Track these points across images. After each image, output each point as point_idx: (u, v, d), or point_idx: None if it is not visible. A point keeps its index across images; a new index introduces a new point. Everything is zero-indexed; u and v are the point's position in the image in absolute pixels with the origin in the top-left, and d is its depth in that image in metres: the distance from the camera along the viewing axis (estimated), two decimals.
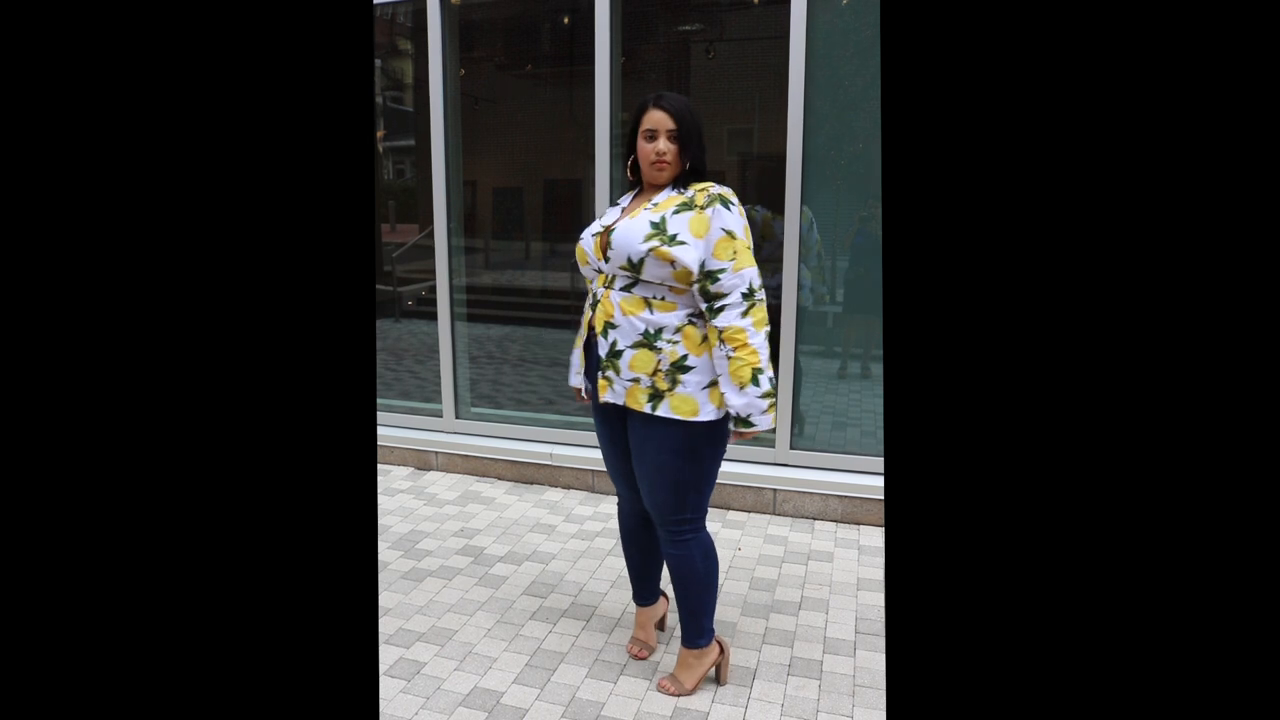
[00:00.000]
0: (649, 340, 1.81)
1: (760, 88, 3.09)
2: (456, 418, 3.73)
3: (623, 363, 1.84)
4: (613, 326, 1.85)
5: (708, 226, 1.77)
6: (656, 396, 1.83)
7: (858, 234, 3.05)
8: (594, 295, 1.90)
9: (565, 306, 3.69)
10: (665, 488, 1.89)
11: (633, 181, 1.96)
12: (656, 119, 1.83)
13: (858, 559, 2.77)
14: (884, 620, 2.33)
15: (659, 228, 1.77)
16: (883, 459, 3.09)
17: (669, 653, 2.21)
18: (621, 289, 1.84)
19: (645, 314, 1.82)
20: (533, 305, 3.75)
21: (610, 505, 3.27)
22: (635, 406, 1.85)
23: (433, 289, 3.66)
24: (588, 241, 1.90)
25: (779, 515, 3.13)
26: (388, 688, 2.07)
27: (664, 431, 1.84)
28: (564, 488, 3.46)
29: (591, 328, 1.91)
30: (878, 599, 2.50)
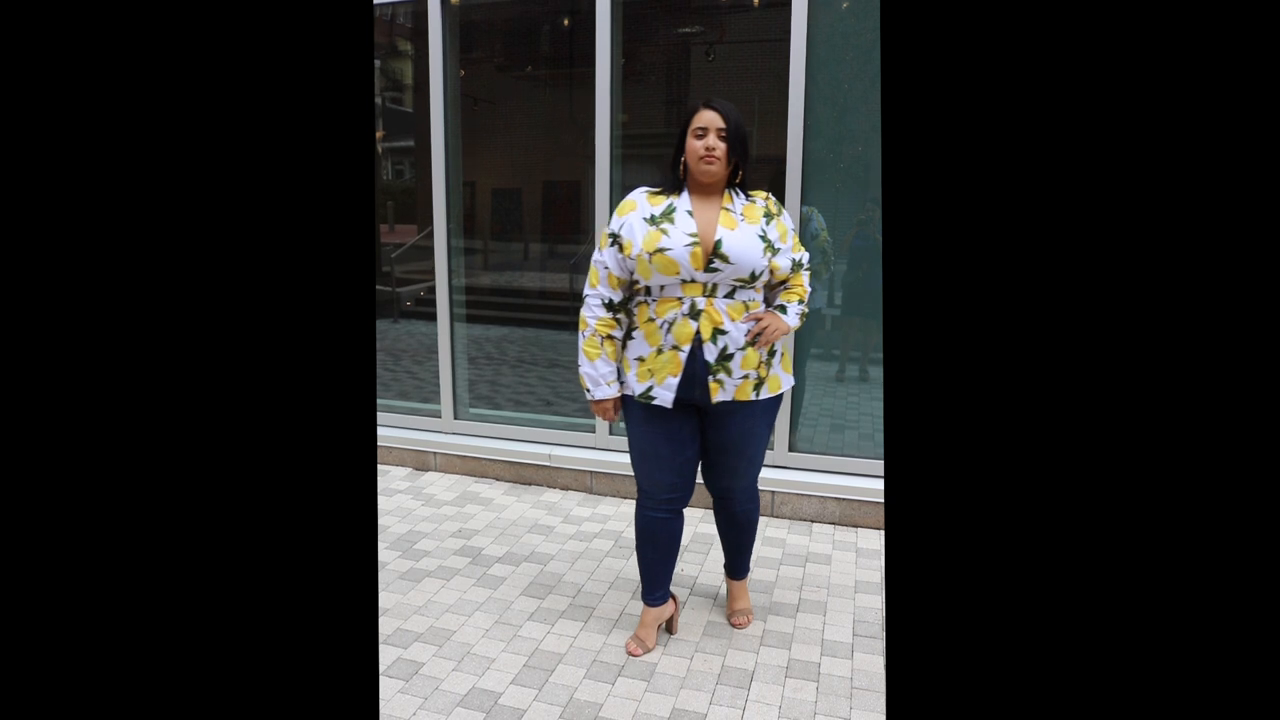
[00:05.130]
0: (753, 340, 2.01)
1: (760, 90, 3.10)
2: (455, 418, 3.73)
3: (734, 364, 2.00)
4: (722, 332, 1.98)
5: (787, 230, 2.07)
6: (759, 384, 2.05)
7: (856, 237, 3.05)
8: (691, 305, 1.97)
9: (564, 308, 3.69)
10: (758, 459, 2.19)
11: (673, 182, 2.04)
12: (708, 118, 1.95)
13: (855, 561, 2.78)
14: (882, 623, 2.34)
15: (767, 241, 1.98)
16: (880, 462, 3.09)
17: (667, 654, 2.21)
18: (725, 296, 1.98)
19: (744, 315, 2.00)
20: (531, 306, 3.75)
21: (608, 507, 3.27)
22: (744, 398, 2.04)
23: (431, 290, 3.66)
24: (679, 253, 1.93)
25: (776, 517, 3.13)
26: (386, 688, 2.07)
27: (764, 410, 2.10)
28: (562, 489, 3.46)
29: (697, 336, 1.98)
30: (875, 601, 2.50)
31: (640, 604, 2.47)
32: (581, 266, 3.52)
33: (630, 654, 2.22)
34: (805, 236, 3.04)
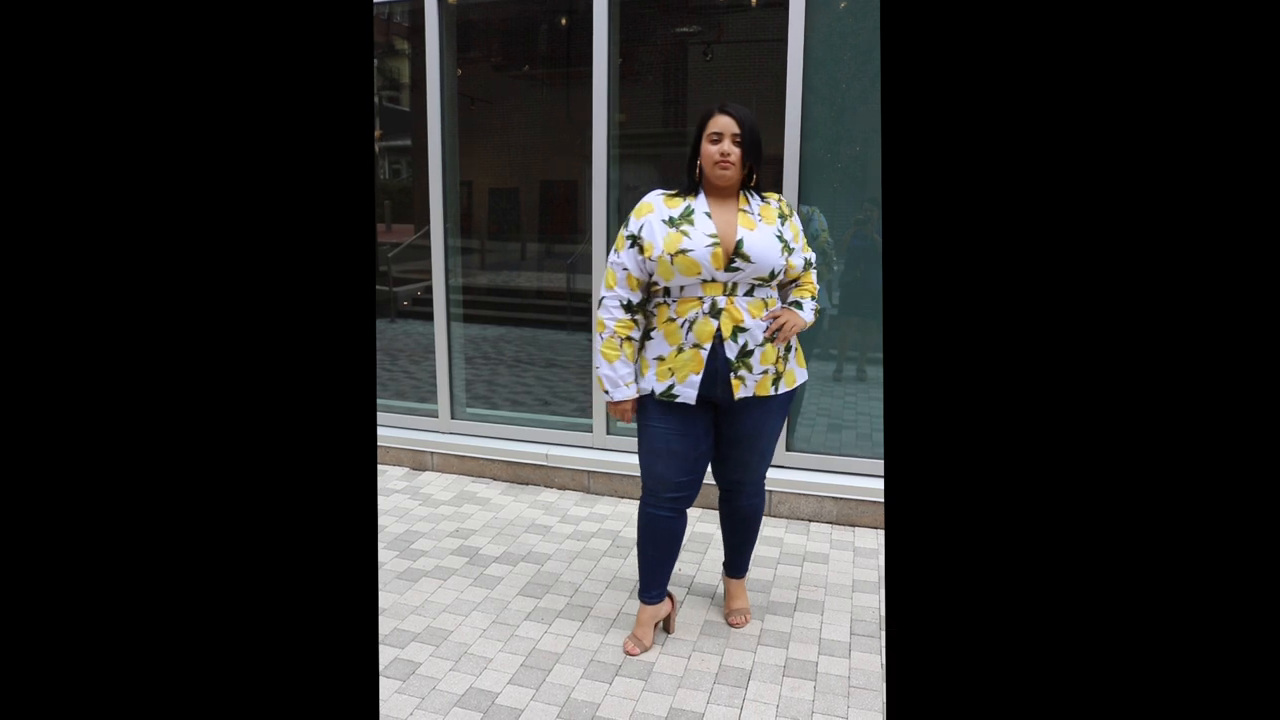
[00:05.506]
0: (772, 336, 2.06)
1: (758, 90, 3.10)
2: (452, 418, 3.72)
3: (754, 360, 2.05)
4: (742, 330, 2.03)
5: (799, 230, 2.14)
6: (777, 379, 2.10)
7: (854, 237, 3.05)
8: (711, 304, 2.01)
9: (561, 308, 3.68)
10: (769, 453, 2.23)
11: (688, 184, 2.09)
12: (723, 123, 2.00)
13: (853, 561, 2.78)
14: (879, 621, 2.34)
15: (783, 241, 2.05)
16: (878, 461, 3.10)
17: (664, 653, 2.21)
18: (744, 294, 2.03)
19: (764, 312, 2.05)
20: (529, 306, 3.75)
21: (605, 506, 3.27)
22: (763, 393, 2.09)
23: (428, 289, 3.66)
24: (701, 254, 1.97)
25: (774, 517, 3.13)
26: (383, 688, 2.06)
27: (780, 405, 2.15)
28: (559, 488, 3.46)
29: (718, 334, 2.02)
30: (873, 600, 2.50)
31: (637, 603, 2.47)
32: (579, 266, 3.52)
33: (628, 653, 2.22)
34: (806, 236, 3.04)
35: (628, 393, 2.10)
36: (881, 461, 3.09)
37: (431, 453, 3.67)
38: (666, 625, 2.33)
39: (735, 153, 1.99)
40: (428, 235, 3.61)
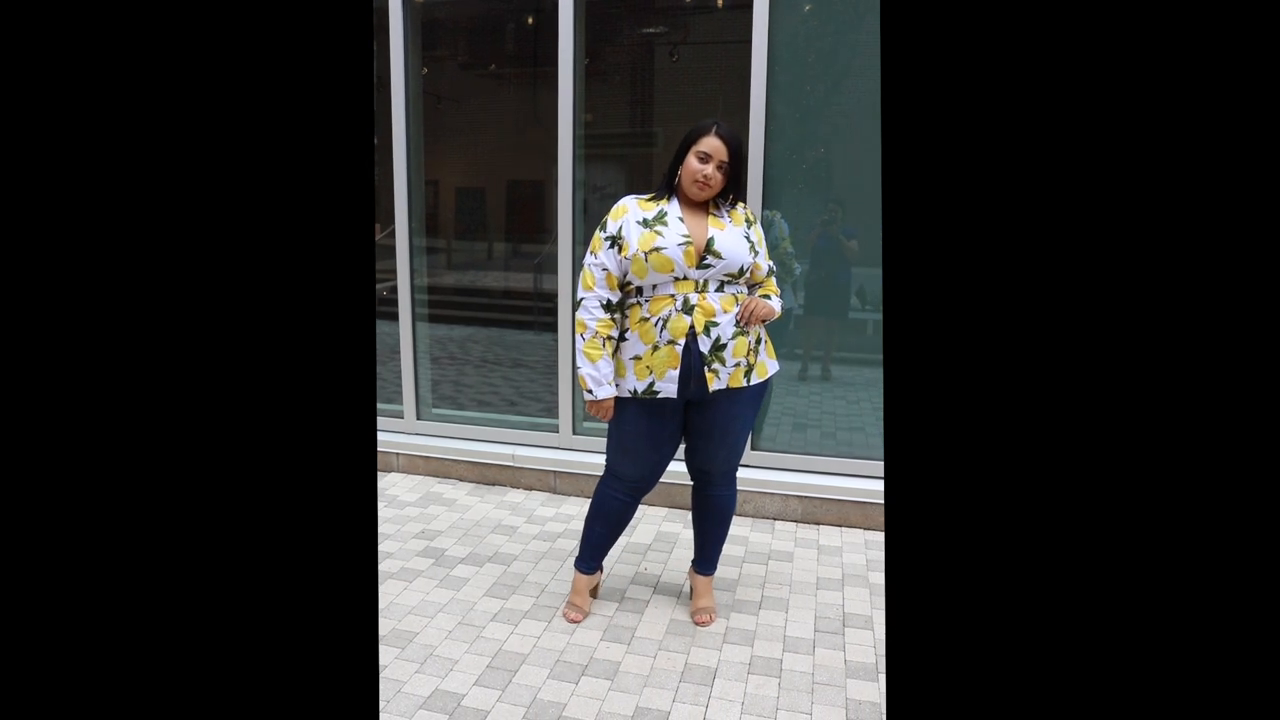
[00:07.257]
0: (742, 329, 2.12)
1: (724, 91, 3.12)
2: (418, 419, 3.70)
3: (727, 353, 2.11)
4: (714, 324, 2.10)
5: (762, 237, 2.23)
6: (749, 370, 2.16)
7: (819, 237, 3.08)
8: (684, 300, 2.08)
9: (528, 308, 3.67)
10: (741, 444, 2.28)
11: (664, 188, 2.17)
12: (714, 145, 2.07)
13: (817, 559, 2.81)
14: (842, 618, 2.36)
15: (750, 243, 2.14)
16: (842, 460, 3.13)
17: (630, 652, 2.22)
18: (716, 290, 2.10)
19: (736, 308, 2.11)
20: (495, 306, 3.73)
21: (572, 507, 3.27)
22: (736, 385, 2.14)
23: (394, 289, 3.63)
24: (674, 251, 2.06)
25: (739, 516, 3.15)
26: None
27: (751, 396, 2.21)
28: (526, 489, 3.45)
29: (691, 330, 2.09)
30: (836, 598, 2.53)
31: (604, 603, 2.47)
32: (546, 266, 3.51)
33: (571, 621, 2.37)
34: (769, 240, 3.06)
35: (610, 390, 2.16)
36: (845, 460, 3.13)
37: (397, 454, 3.64)
38: (593, 590, 2.48)
39: (717, 178, 2.08)
40: (393, 235, 3.58)
